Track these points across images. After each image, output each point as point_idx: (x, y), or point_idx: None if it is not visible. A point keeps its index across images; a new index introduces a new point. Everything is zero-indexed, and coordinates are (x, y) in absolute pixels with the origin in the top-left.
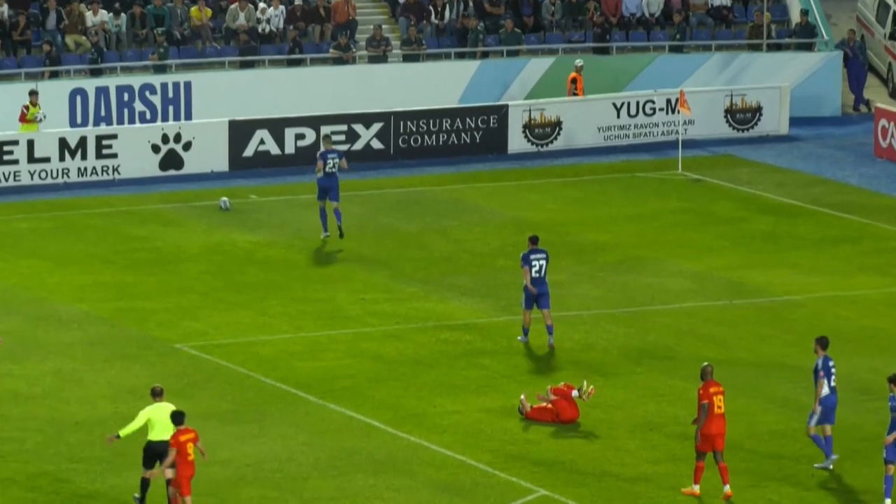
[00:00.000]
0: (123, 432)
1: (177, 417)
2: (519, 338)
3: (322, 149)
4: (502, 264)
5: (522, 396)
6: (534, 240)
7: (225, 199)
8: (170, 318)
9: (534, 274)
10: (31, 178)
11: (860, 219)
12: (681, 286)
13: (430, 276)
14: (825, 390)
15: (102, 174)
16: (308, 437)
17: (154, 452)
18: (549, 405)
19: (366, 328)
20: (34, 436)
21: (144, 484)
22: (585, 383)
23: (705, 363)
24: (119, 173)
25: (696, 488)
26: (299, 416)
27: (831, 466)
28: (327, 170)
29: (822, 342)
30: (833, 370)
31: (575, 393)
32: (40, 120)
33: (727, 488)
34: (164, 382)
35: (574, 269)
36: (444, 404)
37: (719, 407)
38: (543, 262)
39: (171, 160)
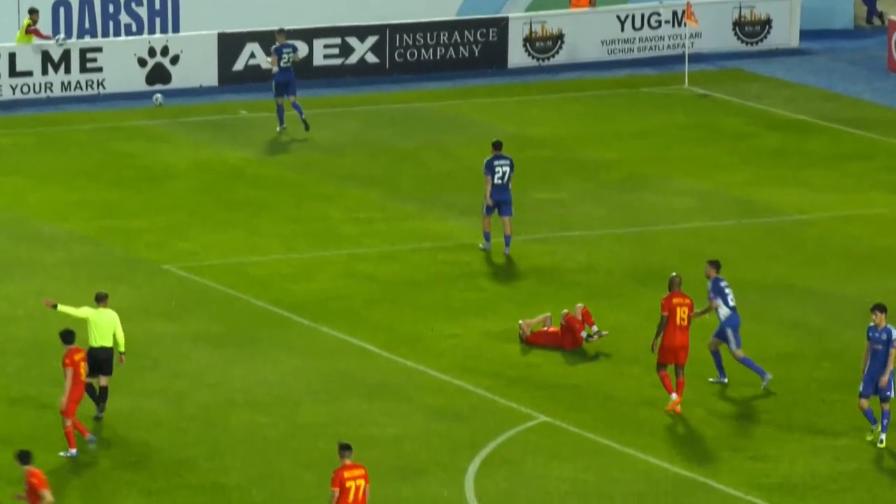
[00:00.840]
0: (62, 307)
1: (67, 336)
2: (480, 245)
3: (276, 43)
4: None
5: (521, 322)
6: (497, 145)
7: (159, 95)
8: (157, 238)
9: (496, 181)
10: (13, 93)
11: (873, 135)
12: (687, 205)
13: (428, 194)
14: (724, 311)
15: (87, 88)
16: (300, 361)
17: (95, 360)
18: (553, 329)
19: (360, 248)
20: (16, 359)
21: (90, 392)
22: (597, 330)
23: (673, 273)
24: (104, 87)
25: (675, 397)
26: (291, 339)
27: (725, 381)
28: (282, 64)
29: (715, 265)
30: (728, 290)
31: (584, 334)
32: (61, 43)
33: (674, 396)
34: (152, 304)
35: (576, 187)
36: (441, 327)
37: (682, 319)
38: (507, 169)
39: (159, 74)
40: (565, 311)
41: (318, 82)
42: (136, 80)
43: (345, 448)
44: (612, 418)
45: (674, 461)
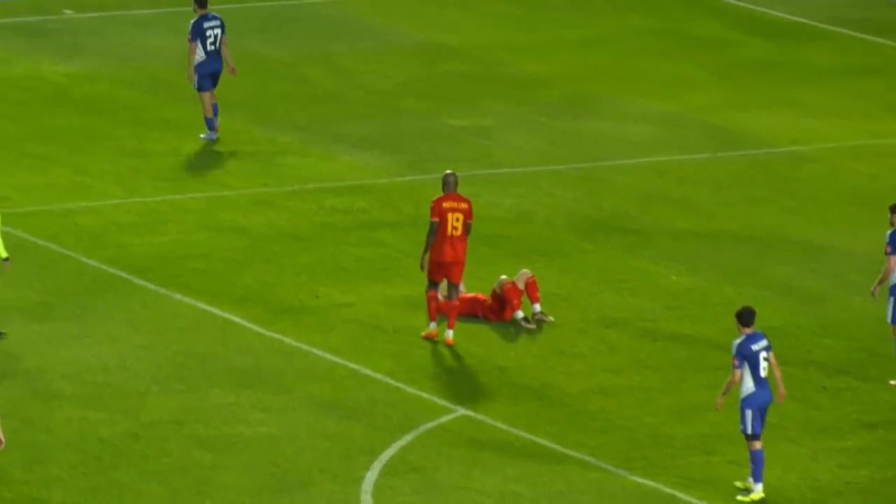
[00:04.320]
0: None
1: None
2: (202, 135)
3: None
4: (408, 105)
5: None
6: (202, 2)
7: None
8: None
9: (209, 47)
10: None
11: (889, 41)
12: (647, 134)
13: (311, 121)
14: (748, 384)
15: None
16: (146, 339)
17: None
18: (478, 295)
19: (224, 191)
20: None
21: None
22: (541, 311)
23: (448, 171)
24: None
25: (433, 327)
26: (134, 309)
27: None
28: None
29: (745, 316)
30: (764, 354)
31: (519, 314)
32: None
33: (450, 333)
34: None
35: (504, 111)
36: (329, 294)
37: (455, 228)
38: (219, 32)
39: None
40: (504, 276)
41: None
42: None
43: None
44: (551, 413)
45: (632, 468)
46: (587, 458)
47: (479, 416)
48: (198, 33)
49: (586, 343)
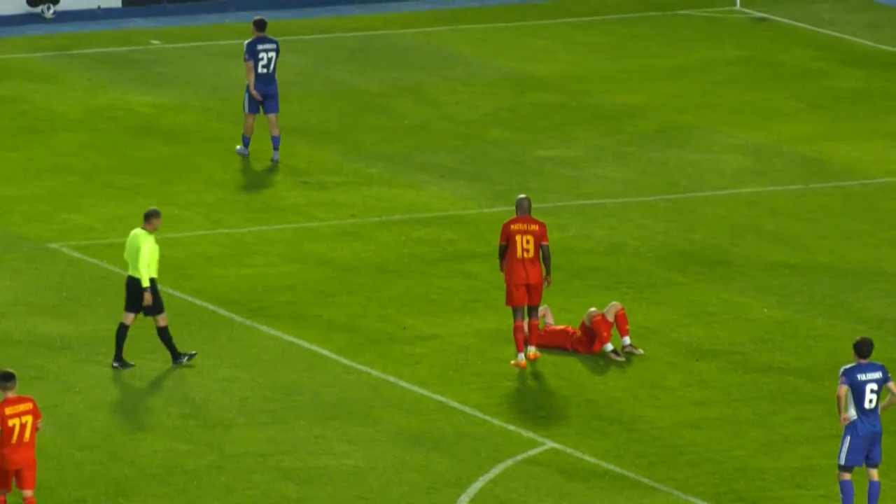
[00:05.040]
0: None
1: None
2: (238, 148)
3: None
4: (496, 136)
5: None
6: (260, 25)
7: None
8: (41, 209)
9: (261, 69)
10: None
11: None
12: (739, 165)
13: (398, 151)
14: (851, 412)
15: None
16: (231, 372)
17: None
18: (567, 328)
19: (310, 222)
20: None
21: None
22: (630, 343)
23: (521, 195)
24: None
25: (521, 358)
26: (220, 342)
27: None
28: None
29: (860, 347)
30: (873, 386)
31: (608, 347)
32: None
33: (532, 349)
34: (35, 296)
35: (594, 142)
36: (416, 326)
37: (526, 250)
38: (273, 55)
39: None
40: (593, 309)
41: (255, 2)
42: (14, 1)
43: (7, 378)
44: (640, 447)
45: (722, 501)
46: (676, 491)
47: (568, 449)
48: (252, 54)
49: (676, 376)
